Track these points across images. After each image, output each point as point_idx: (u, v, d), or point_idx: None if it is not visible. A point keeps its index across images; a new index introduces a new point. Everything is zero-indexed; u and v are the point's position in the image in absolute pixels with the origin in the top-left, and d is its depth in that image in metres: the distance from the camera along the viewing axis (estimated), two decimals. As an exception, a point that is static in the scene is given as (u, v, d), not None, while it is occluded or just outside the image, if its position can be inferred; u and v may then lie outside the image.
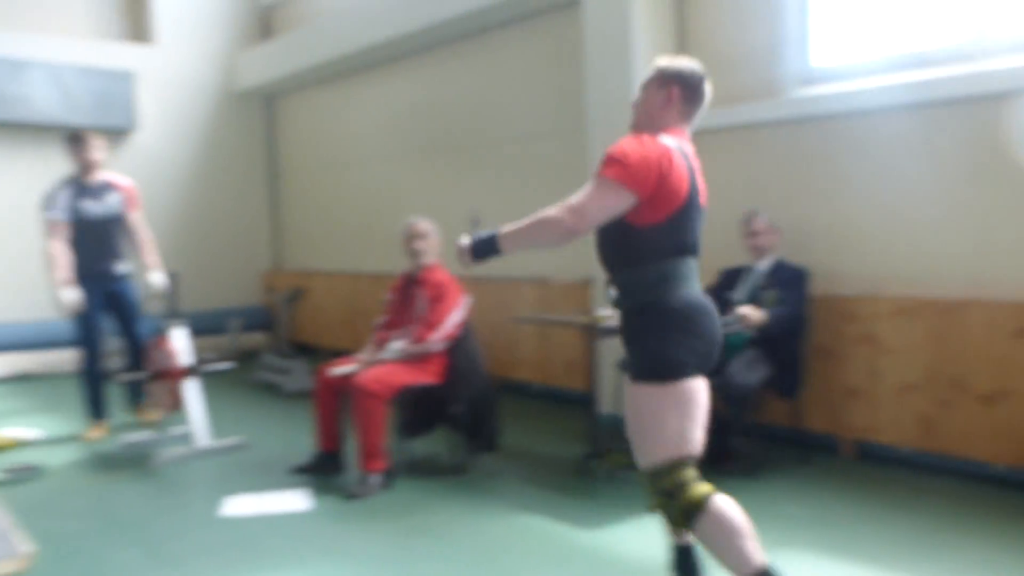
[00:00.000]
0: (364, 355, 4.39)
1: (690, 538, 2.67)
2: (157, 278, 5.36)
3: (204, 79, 9.08)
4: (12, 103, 7.79)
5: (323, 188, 8.86)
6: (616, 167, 2.37)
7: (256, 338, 8.67)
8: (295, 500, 3.95)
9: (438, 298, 4.30)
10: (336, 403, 4.29)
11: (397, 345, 4.29)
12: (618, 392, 4.65)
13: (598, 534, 3.45)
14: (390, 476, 4.09)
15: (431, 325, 4.24)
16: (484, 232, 2.53)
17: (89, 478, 4.48)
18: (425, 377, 4.24)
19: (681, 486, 2.38)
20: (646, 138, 2.44)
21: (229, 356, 6.18)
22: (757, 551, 2.34)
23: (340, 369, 4.25)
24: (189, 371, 4.85)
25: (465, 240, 2.57)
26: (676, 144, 2.47)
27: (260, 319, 9.00)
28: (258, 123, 9.51)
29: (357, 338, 6.11)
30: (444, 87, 7.07)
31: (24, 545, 3.31)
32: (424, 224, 4.44)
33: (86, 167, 5.27)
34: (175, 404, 4.87)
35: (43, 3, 8.45)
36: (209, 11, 9.10)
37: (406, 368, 4.20)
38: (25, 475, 4.47)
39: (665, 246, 2.42)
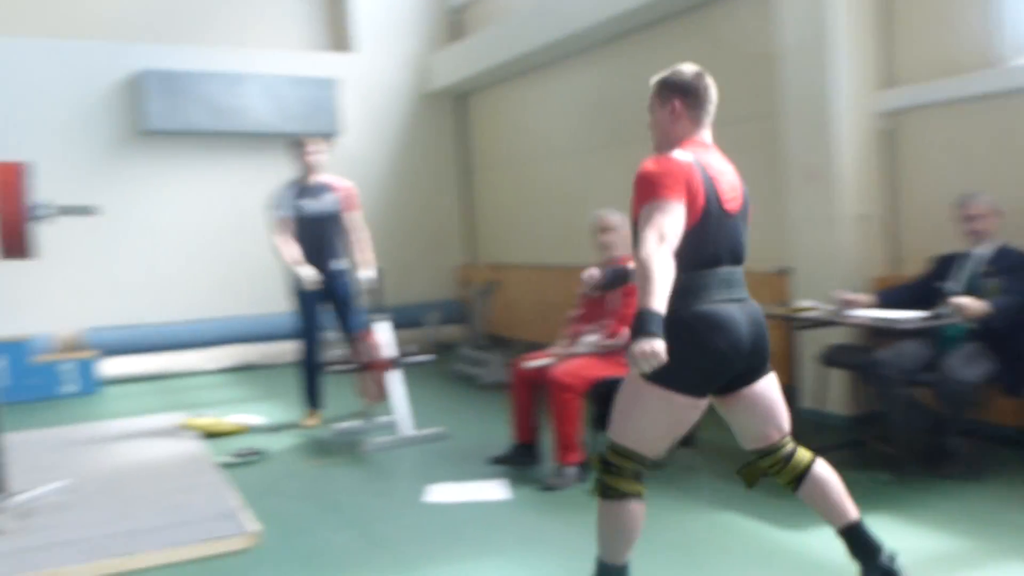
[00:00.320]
0: (558, 348, 4.45)
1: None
2: (367, 275, 5.66)
3: (400, 82, 9.50)
4: (231, 114, 8.46)
5: (514, 182, 9.03)
6: (659, 186, 2.41)
7: (452, 331, 8.97)
8: (494, 490, 4.06)
9: (631, 292, 4.28)
10: (532, 396, 4.36)
11: (591, 339, 4.31)
12: (819, 386, 4.45)
13: (804, 535, 3.32)
14: (585, 469, 4.12)
15: (624, 319, 4.22)
16: (646, 316, 2.27)
17: (306, 462, 4.80)
18: (619, 371, 4.23)
19: (616, 470, 2.53)
20: (661, 159, 2.50)
21: (428, 349, 6.44)
22: (626, 553, 2.60)
23: (535, 362, 4.33)
24: (393, 363, 5.10)
25: (638, 347, 2.28)
26: (691, 157, 2.50)
27: (456, 312, 9.31)
28: (451, 121, 9.83)
29: (550, 331, 6.18)
30: (631, 77, 7.00)
31: (252, 524, 3.62)
32: (613, 217, 4.42)
33: (307, 169, 5.66)
34: (380, 394, 5.14)
35: (258, 21, 9.14)
36: (404, 17, 9.50)
37: (600, 362, 4.21)
38: (250, 459, 4.85)
39: (687, 259, 2.43)
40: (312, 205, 5.60)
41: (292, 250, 5.55)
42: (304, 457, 4.92)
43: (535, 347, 4.91)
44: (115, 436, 5.53)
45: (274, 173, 8.73)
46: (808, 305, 4.21)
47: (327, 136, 8.91)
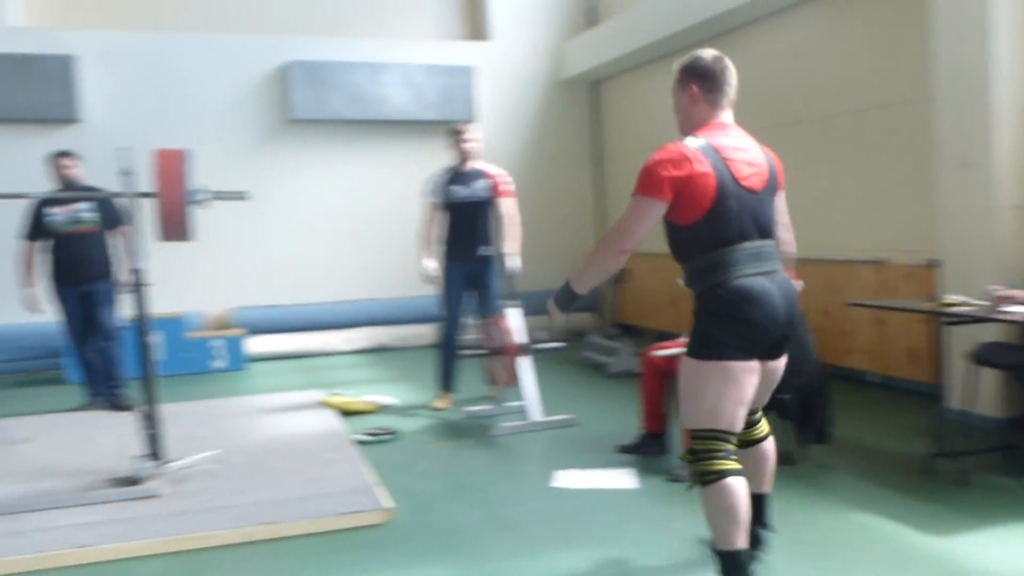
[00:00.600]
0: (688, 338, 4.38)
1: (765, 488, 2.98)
2: (511, 262, 5.72)
3: (534, 69, 9.55)
4: (371, 103, 8.72)
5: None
6: (640, 183, 2.63)
7: (582, 318, 8.97)
8: (622, 478, 4.05)
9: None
10: (661, 385, 4.32)
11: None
12: (969, 386, 4.22)
13: (946, 541, 3.17)
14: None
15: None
16: (560, 286, 2.85)
17: (437, 443, 4.93)
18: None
19: (704, 454, 2.61)
20: (670, 146, 2.63)
21: (558, 336, 6.47)
22: (740, 536, 2.59)
23: (665, 351, 4.28)
24: (523, 349, 5.16)
25: (550, 302, 2.91)
26: (702, 143, 2.63)
27: (585, 300, 9.25)
28: (583, 108, 9.81)
29: (680, 320, 6.11)
30: (770, 62, 6.80)
31: (386, 500, 3.74)
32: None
33: (462, 156, 5.78)
34: (511, 379, 5.20)
35: (397, 12, 9.37)
36: (539, 5, 9.54)
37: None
38: (383, 438, 5.01)
39: (709, 239, 2.62)
40: (463, 191, 5.71)
41: (429, 240, 5.69)
42: (435, 438, 5.04)
43: (665, 336, 4.87)
44: (259, 410, 5.82)
45: (412, 160, 9.00)
46: (958, 300, 3.99)
47: (464, 124, 9.08)
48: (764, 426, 2.98)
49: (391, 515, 3.62)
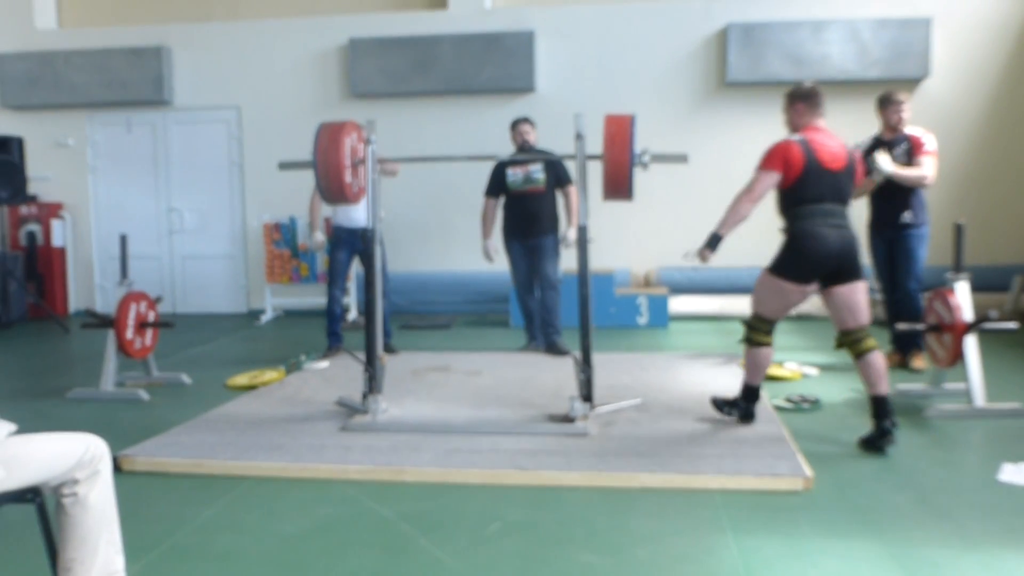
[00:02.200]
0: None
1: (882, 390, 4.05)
2: (906, 216, 5.55)
3: (1005, 16, 8.44)
4: (810, 63, 8.42)
5: None
6: (763, 161, 4.16)
7: (1043, 299, 7.86)
8: (1086, 483, 3.53)
9: None
10: None
11: None
12: None
13: None
14: None
15: None
16: (711, 235, 4.37)
17: (862, 417, 4.68)
18: None
19: (753, 327, 4.27)
20: (780, 142, 4.15)
21: (1011, 316, 5.75)
22: (759, 379, 4.36)
23: None
24: (969, 327, 4.67)
25: (701, 248, 4.42)
26: (799, 138, 4.13)
27: (1051, 279, 8.11)
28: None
29: None
30: None
31: (806, 469, 3.68)
32: None
33: (890, 126, 5.59)
34: (950, 359, 4.76)
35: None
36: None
37: None
38: (803, 407, 4.89)
39: (794, 199, 4.11)
40: (886, 165, 5.45)
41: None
42: (860, 412, 4.80)
43: None
44: (678, 366, 6.01)
45: (851, 123, 8.52)
46: None
47: (914, 81, 8.39)
48: (869, 342, 4.07)
49: (810, 484, 3.55)
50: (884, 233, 5.66)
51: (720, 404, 4.51)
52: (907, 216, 5.52)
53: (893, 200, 5.54)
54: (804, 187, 4.04)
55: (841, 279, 4.05)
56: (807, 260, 4.02)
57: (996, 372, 5.20)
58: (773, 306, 4.18)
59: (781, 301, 4.15)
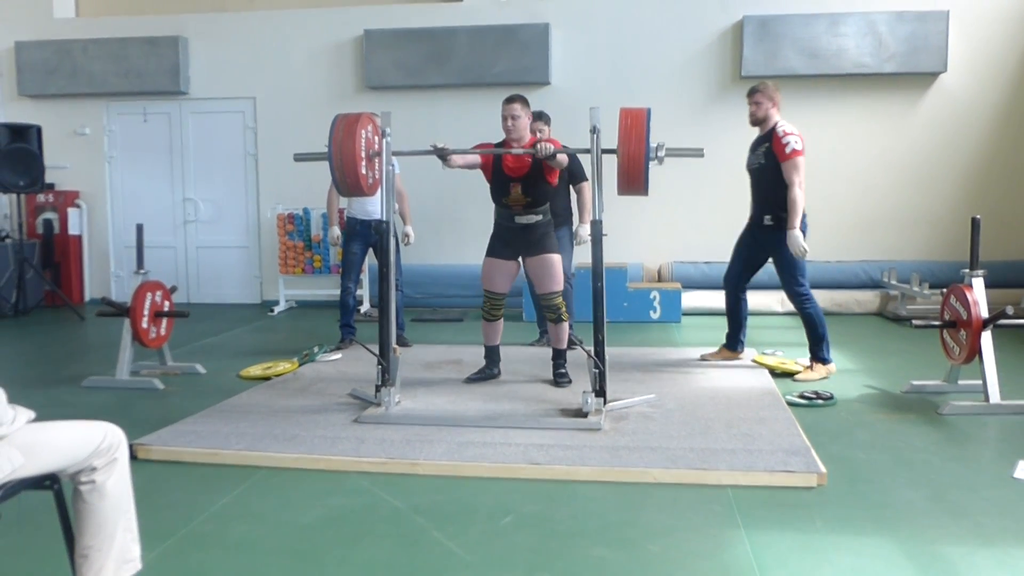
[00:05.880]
0: None
1: None
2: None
3: (1022, 13, 8.37)
4: (826, 57, 8.36)
5: None
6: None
7: (1061, 297, 7.81)
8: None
9: None
10: None
11: None
12: None
13: None
14: None
15: None
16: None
17: (876, 414, 4.67)
18: None
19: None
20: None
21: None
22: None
23: None
24: (985, 323, 4.65)
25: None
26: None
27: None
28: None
29: None
30: None
31: (820, 465, 3.67)
32: None
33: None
34: (967, 355, 4.73)
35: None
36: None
37: None
38: (817, 403, 4.86)
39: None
40: None
41: None
42: (874, 408, 4.79)
43: None
44: (692, 362, 6.00)
45: (866, 118, 8.49)
46: None
47: (932, 75, 8.34)
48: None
49: (824, 480, 3.54)
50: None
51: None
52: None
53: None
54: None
55: None
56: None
57: (1011, 368, 5.18)
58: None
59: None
